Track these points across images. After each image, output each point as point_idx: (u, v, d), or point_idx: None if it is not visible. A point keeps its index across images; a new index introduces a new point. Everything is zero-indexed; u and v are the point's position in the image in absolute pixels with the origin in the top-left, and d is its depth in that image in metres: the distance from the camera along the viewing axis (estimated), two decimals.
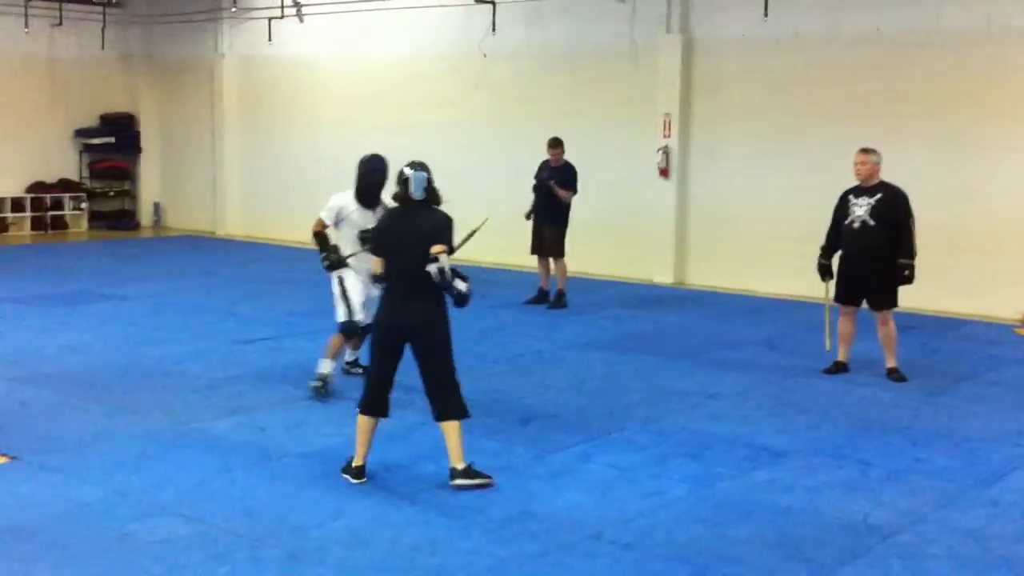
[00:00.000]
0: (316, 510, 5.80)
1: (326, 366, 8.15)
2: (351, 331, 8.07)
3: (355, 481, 6.23)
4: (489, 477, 6.21)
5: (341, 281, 8.07)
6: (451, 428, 6.17)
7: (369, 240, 6.32)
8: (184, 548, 5.25)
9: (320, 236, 8.10)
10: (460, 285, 6.03)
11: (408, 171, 6.10)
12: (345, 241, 8.03)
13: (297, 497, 6.01)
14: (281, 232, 18.38)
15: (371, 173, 7.94)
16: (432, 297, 6.08)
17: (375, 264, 6.28)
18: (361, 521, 5.65)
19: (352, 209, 8.00)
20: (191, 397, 8.17)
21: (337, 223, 8.05)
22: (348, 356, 8.77)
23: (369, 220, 7.78)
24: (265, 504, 5.89)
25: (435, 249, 5.94)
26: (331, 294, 8.17)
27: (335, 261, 7.97)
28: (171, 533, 5.44)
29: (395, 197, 6.23)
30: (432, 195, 6.13)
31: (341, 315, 8.04)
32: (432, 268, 5.92)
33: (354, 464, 6.27)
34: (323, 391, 8.09)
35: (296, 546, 5.30)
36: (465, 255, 6.65)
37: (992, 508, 6.01)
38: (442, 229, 6.06)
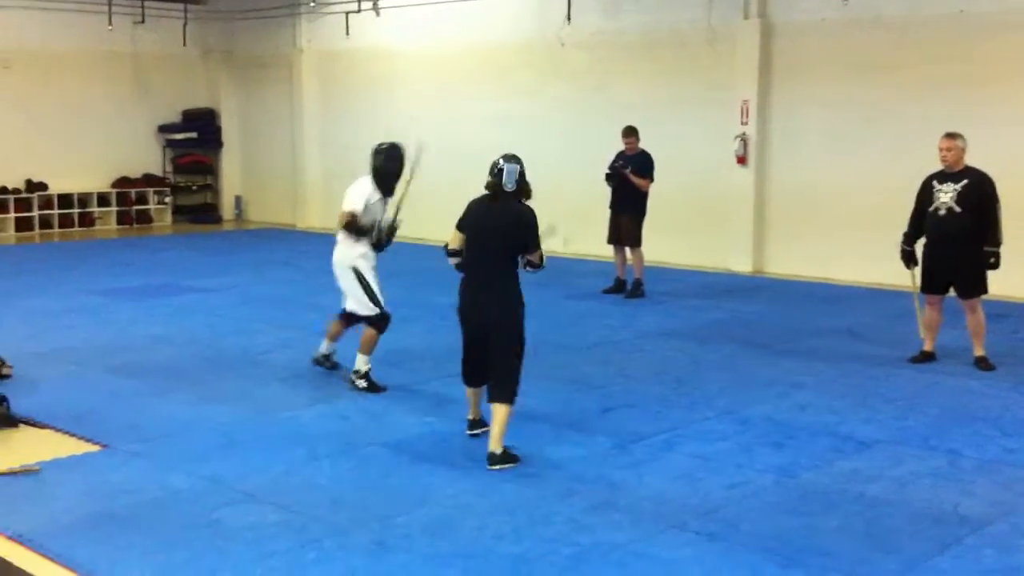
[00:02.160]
0: (401, 498, 5.85)
1: (364, 363, 8.09)
2: (385, 322, 8.10)
3: (468, 432, 6.82)
4: (518, 458, 6.38)
5: (358, 273, 8.07)
6: (499, 411, 6.36)
7: (460, 219, 6.54)
8: (272, 535, 5.34)
9: (355, 225, 8.03)
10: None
11: (503, 163, 6.37)
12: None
13: (382, 485, 6.08)
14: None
15: (392, 160, 8.03)
16: (510, 285, 6.41)
17: (453, 239, 6.52)
18: (445, 509, 5.69)
19: (375, 199, 8.05)
20: (276, 387, 8.29)
21: (364, 211, 8.05)
22: (325, 349, 8.61)
23: (384, 208, 8.06)
24: (351, 492, 5.96)
25: (532, 259, 6.47)
26: (343, 288, 8.17)
27: (387, 233, 8.04)
28: (259, 520, 5.53)
29: (488, 187, 6.42)
30: (523, 187, 6.40)
31: (370, 308, 8.06)
32: (529, 270, 6.52)
33: (468, 417, 6.90)
34: (374, 387, 8.04)
35: (382, 533, 5.36)
36: (543, 246, 6.69)
37: None
38: (532, 226, 6.39)
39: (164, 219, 20.85)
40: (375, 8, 18.32)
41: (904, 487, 6.04)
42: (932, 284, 8.83)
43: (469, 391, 6.81)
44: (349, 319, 8.37)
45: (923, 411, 7.59)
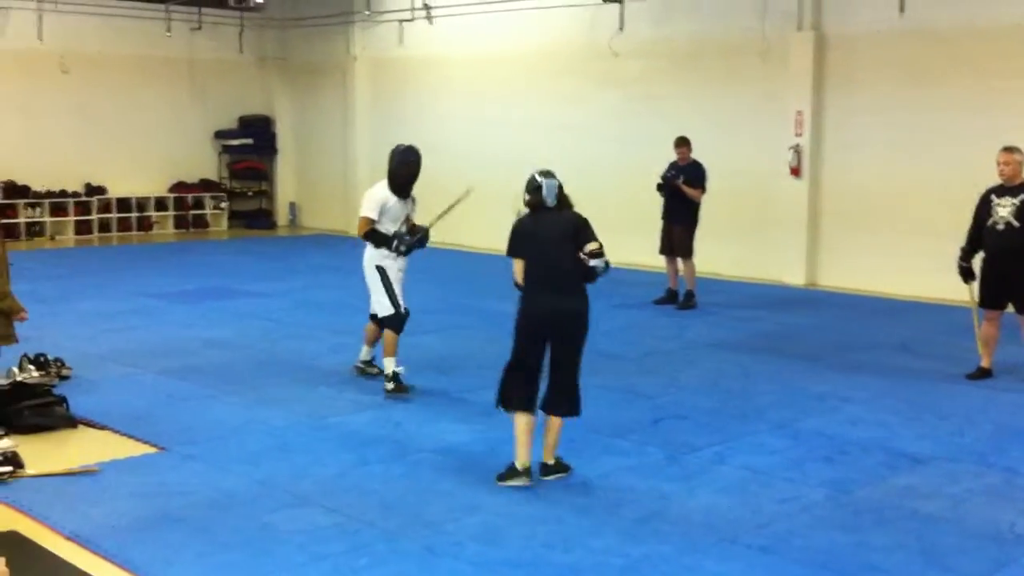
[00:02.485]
0: (451, 505, 5.89)
1: (391, 365, 8.17)
2: (401, 323, 8.19)
3: (522, 484, 6.21)
4: (570, 467, 6.41)
5: (383, 272, 8.18)
6: (556, 424, 6.32)
7: (511, 246, 6.39)
8: (324, 539, 5.39)
9: (374, 233, 8.15)
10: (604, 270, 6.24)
11: (540, 179, 6.30)
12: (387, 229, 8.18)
13: (432, 491, 6.11)
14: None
15: (407, 164, 8.12)
16: (580, 292, 6.26)
17: (517, 270, 6.33)
18: (495, 517, 5.71)
19: (392, 202, 8.15)
20: (328, 391, 8.37)
21: (379, 218, 8.16)
22: (364, 355, 8.76)
23: (404, 210, 8.18)
24: (401, 498, 6.00)
25: (592, 247, 6.15)
26: (368, 287, 8.33)
27: (411, 242, 8.15)
28: (311, 523, 5.59)
29: (528, 203, 6.34)
30: (563, 200, 6.33)
31: (386, 308, 8.16)
32: (599, 263, 6.16)
33: (517, 465, 6.26)
34: (401, 390, 8.10)
35: (432, 540, 5.39)
36: None
37: None
38: (585, 227, 6.27)
39: (220, 224, 21.11)
40: (428, 17, 18.42)
41: (959, 505, 5.97)
42: (990, 299, 8.72)
43: (524, 423, 6.26)
44: (378, 320, 8.51)
45: (979, 428, 7.49)
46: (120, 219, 19.73)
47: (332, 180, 20.67)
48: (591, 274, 6.20)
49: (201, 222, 20.82)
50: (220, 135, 21.13)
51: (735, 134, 14.52)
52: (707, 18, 14.99)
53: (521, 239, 6.35)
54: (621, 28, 15.75)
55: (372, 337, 8.67)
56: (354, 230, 19.37)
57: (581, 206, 6.44)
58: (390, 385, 8.16)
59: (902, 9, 13.01)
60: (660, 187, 12.25)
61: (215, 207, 21.06)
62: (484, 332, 10.52)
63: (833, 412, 7.89)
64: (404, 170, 8.16)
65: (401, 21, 18.88)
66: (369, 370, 8.72)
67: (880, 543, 5.40)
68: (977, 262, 8.82)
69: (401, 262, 8.31)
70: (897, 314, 11.99)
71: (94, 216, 19.38)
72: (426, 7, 18.34)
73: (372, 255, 8.27)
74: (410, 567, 5.08)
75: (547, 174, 6.34)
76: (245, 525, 5.58)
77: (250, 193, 21.78)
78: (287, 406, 7.91)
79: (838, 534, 5.52)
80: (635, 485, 6.24)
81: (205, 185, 20.97)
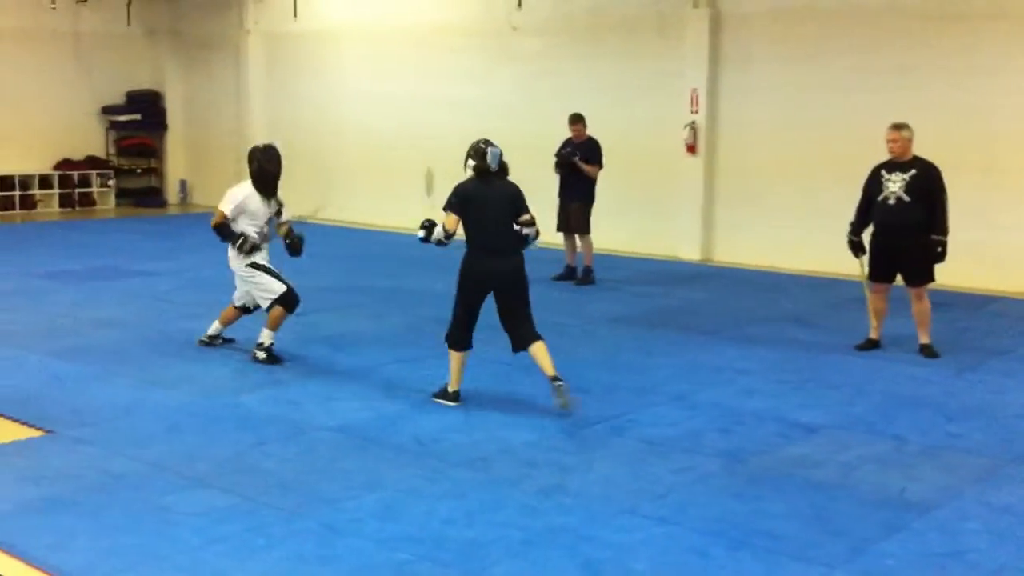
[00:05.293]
0: (350, 483, 5.82)
1: (269, 337, 8.37)
2: (295, 300, 8.31)
3: (452, 404, 7.21)
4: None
5: (256, 264, 8.33)
6: (543, 346, 7.17)
7: (451, 202, 7.12)
8: (221, 519, 5.28)
9: (224, 227, 8.32)
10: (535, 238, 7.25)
11: (484, 146, 7.15)
12: (244, 229, 8.33)
13: (330, 470, 6.03)
14: (304, 208, 18.37)
15: (272, 161, 8.29)
16: (516, 249, 7.17)
17: (450, 223, 7.06)
18: (395, 493, 5.66)
19: (253, 200, 8.30)
20: (221, 371, 8.21)
21: (236, 215, 8.29)
22: (212, 330, 8.91)
23: (267, 208, 8.33)
24: (299, 476, 5.91)
25: (525, 218, 7.15)
26: (244, 285, 8.50)
27: (254, 244, 8.29)
28: (207, 505, 5.47)
29: (476, 168, 7.13)
30: (503, 167, 7.21)
31: (277, 288, 8.27)
32: (531, 232, 7.16)
33: (450, 390, 7.28)
34: (274, 360, 8.30)
35: (332, 518, 5.32)
36: None
37: None
38: (521, 196, 7.26)
39: (107, 202, 20.51)
40: None
41: (851, 472, 6.11)
42: (879, 272, 8.93)
43: (460, 358, 7.24)
44: (244, 310, 8.71)
45: (869, 397, 7.68)
46: (2, 198, 19.01)
47: (224, 157, 20.19)
48: (523, 242, 7.14)
49: (88, 200, 20.18)
50: (107, 111, 20.48)
51: (632, 111, 14.61)
52: None
53: (464, 199, 7.09)
54: (520, 4, 15.71)
55: (228, 319, 8.82)
56: None
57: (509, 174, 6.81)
58: (262, 355, 8.30)
59: None
60: (557, 164, 12.26)
61: (102, 185, 20.44)
62: (376, 309, 10.46)
63: (728, 384, 8.01)
64: (274, 167, 8.29)
65: None
66: (214, 342, 8.86)
67: (775, 511, 5.50)
68: (866, 237, 9.02)
69: (265, 253, 8.43)
70: (790, 288, 12.23)
71: None
72: None
73: (235, 256, 8.38)
74: (310, 545, 5.01)
75: (489, 143, 7.16)
76: (138, 508, 5.44)
77: (139, 171, 21.16)
78: (178, 386, 7.73)
79: (734, 503, 5.61)
80: (535, 458, 6.24)
81: (92, 162, 20.32)
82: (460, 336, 7.21)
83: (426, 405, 7.28)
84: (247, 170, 8.38)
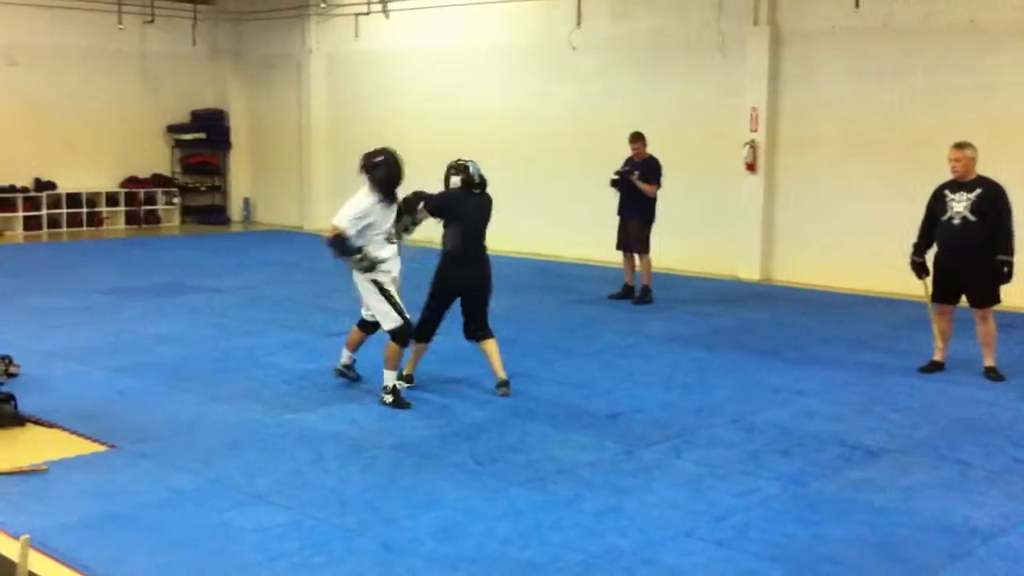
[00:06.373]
0: (408, 501, 5.84)
1: (392, 378, 7.82)
2: (409, 334, 7.86)
3: (407, 385, 7.91)
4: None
5: (379, 285, 7.81)
6: (494, 344, 7.95)
7: (436, 204, 7.92)
8: (280, 536, 5.33)
9: (341, 241, 7.73)
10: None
11: (466, 162, 7.91)
12: (370, 243, 7.78)
13: (389, 488, 6.06)
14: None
15: (395, 165, 7.76)
16: (487, 259, 7.95)
17: (422, 213, 7.93)
18: (453, 513, 5.68)
19: (377, 209, 7.76)
20: (283, 388, 8.27)
21: (362, 229, 7.75)
22: (346, 359, 8.37)
23: (390, 216, 7.83)
24: (358, 495, 5.94)
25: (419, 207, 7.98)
26: (363, 297, 7.95)
27: (372, 263, 7.74)
28: (267, 521, 5.52)
29: (464, 182, 7.85)
30: (483, 181, 7.95)
31: (392, 320, 7.78)
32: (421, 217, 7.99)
33: (406, 372, 8.03)
34: (400, 404, 7.72)
35: (389, 537, 5.34)
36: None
37: None
38: (491, 206, 8.06)
39: (172, 220, 20.87)
40: (384, 10, 18.33)
41: (913, 497, 6.01)
42: (943, 293, 8.79)
43: (422, 350, 8.06)
44: (368, 327, 8.21)
45: (932, 421, 7.56)
46: (70, 215, 19.43)
47: (287, 175, 20.51)
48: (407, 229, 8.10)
49: (153, 218, 20.56)
50: (172, 129, 20.86)
51: (692, 129, 14.56)
52: (664, 13, 15.02)
53: (452, 204, 7.88)
54: (579, 24, 15.76)
55: (355, 342, 8.30)
56: (309, 225, 19.56)
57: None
58: (388, 398, 7.75)
59: (857, 5, 13.12)
60: (615, 182, 12.24)
61: (167, 202, 20.81)
62: (441, 327, 10.45)
63: (788, 405, 7.93)
64: (397, 171, 7.79)
65: (357, 15, 18.77)
66: (349, 374, 8.40)
67: (835, 535, 5.43)
68: (929, 257, 8.89)
69: (395, 269, 7.93)
70: (851, 309, 12.09)
71: (43, 212, 19.06)
72: (382, 1, 18.24)
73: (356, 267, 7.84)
74: (367, 564, 5.03)
75: (469, 161, 7.91)
76: (198, 524, 5.50)
77: (203, 188, 21.53)
78: (241, 403, 7.81)
79: (794, 526, 5.54)
80: (592, 479, 6.22)
81: (157, 180, 20.70)
82: (427, 332, 8.00)
83: (485, 424, 7.29)
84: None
